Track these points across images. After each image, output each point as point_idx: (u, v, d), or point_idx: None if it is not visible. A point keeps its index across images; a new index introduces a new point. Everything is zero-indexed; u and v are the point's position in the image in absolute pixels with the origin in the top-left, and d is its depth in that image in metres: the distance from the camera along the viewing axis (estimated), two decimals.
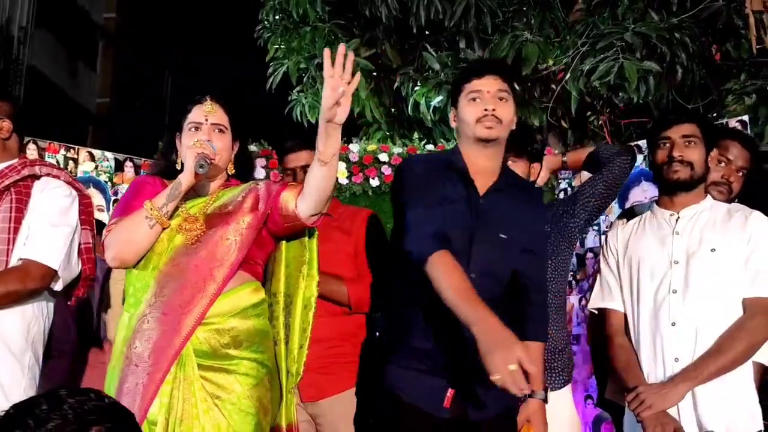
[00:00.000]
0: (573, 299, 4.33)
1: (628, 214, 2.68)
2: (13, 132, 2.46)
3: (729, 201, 2.59)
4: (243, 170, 2.37)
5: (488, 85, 2.20)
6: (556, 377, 2.50)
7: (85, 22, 16.32)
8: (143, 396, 2.01)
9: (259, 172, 4.67)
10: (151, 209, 2.13)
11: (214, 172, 2.24)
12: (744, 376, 2.22)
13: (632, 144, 3.61)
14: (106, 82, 17.26)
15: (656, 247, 2.37)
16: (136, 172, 4.84)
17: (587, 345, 4.22)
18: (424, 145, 4.86)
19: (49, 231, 2.32)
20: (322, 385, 2.62)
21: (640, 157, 3.80)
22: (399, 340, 2.21)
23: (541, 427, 2.23)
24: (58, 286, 2.35)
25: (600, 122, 6.12)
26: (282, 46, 6.10)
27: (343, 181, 4.60)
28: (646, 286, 2.35)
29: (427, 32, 5.97)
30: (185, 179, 2.16)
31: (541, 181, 2.77)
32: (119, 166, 4.88)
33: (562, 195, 4.47)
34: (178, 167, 2.27)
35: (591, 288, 2.61)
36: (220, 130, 2.27)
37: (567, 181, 4.76)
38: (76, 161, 4.77)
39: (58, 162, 4.56)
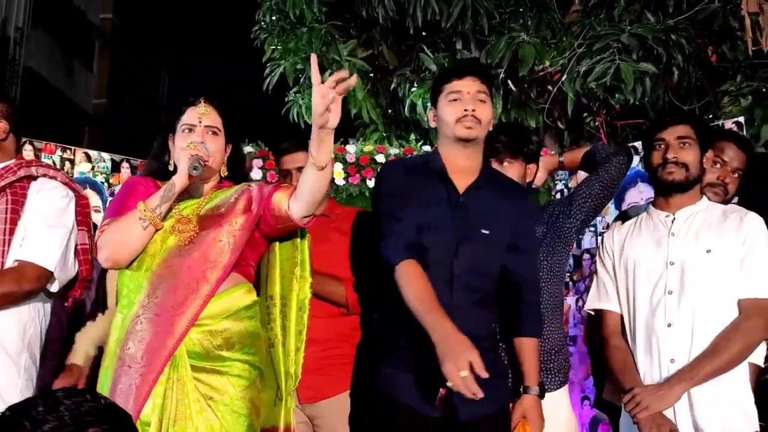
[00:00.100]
0: (570, 300, 4.33)
1: (622, 217, 2.69)
2: (10, 133, 2.46)
3: (724, 202, 2.60)
4: (236, 172, 2.38)
5: (468, 86, 2.25)
6: (552, 378, 2.50)
7: (81, 22, 16.31)
8: (136, 397, 2.01)
9: (256, 173, 4.67)
10: (145, 210, 2.13)
11: (208, 173, 2.25)
12: (740, 377, 2.23)
13: (629, 145, 3.62)
14: (103, 82, 17.25)
15: (652, 248, 2.37)
16: (133, 173, 4.83)
17: (584, 346, 4.23)
18: (421, 146, 4.87)
19: (45, 232, 2.32)
20: (320, 387, 2.62)
21: (636, 159, 3.80)
22: (391, 341, 2.22)
23: (537, 422, 2.22)
24: (54, 287, 2.35)
25: (596, 123, 6.13)
26: (279, 47, 6.09)
27: (340, 182, 4.60)
28: (642, 288, 2.35)
29: (423, 33, 5.97)
30: (179, 181, 2.16)
31: (538, 182, 2.78)
32: (116, 167, 4.87)
33: (558, 196, 4.47)
34: (171, 168, 2.27)
35: (588, 289, 2.61)
36: (214, 133, 2.27)
37: (564, 182, 4.76)
38: (72, 162, 4.76)
39: (54, 163, 4.55)
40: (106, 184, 4.79)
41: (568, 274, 4.33)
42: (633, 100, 5.19)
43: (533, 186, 2.81)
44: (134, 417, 1.97)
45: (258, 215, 2.22)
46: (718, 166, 2.66)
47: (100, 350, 3.05)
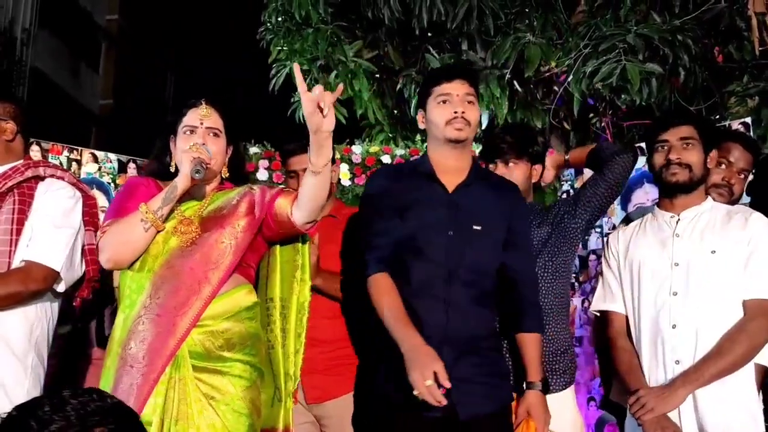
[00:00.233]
0: (576, 301, 4.33)
1: (626, 221, 2.69)
2: (18, 133, 2.47)
3: (730, 203, 2.59)
4: (237, 173, 2.39)
5: (457, 89, 2.29)
6: (558, 379, 2.49)
7: (87, 23, 16.35)
8: (137, 396, 2.03)
9: (262, 174, 4.68)
10: (147, 212, 2.14)
11: (209, 175, 2.26)
12: (745, 378, 2.22)
13: (635, 146, 3.61)
14: (109, 83, 17.28)
15: (657, 249, 2.37)
16: (139, 174, 4.84)
17: (590, 347, 4.22)
18: (427, 147, 4.86)
19: (51, 232, 2.32)
20: (327, 387, 2.62)
21: (642, 159, 3.79)
22: (390, 341, 2.22)
23: (542, 418, 2.22)
24: (60, 288, 2.35)
25: (603, 124, 6.11)
26: (284, 48, 6.09)
27: (346, 182, 4.61)
28: (647, 289, 2.35)
29: (429, 34, 5.97)
30: (181, 183, 2.18)
31: (548, 179, 2.78)
32: (122, 168, 4.88)
33: (564, 197, 4.47)
34: (172, 169, 2.29)
35: (593, 290, 2.61)
36: (215, 134, 2.28)
37: (570, 182, 4.76)
38: (79, 162, 4.78)
39: (61, 163, 4.56)
40: (112, 184, 4.80)
41: (574, 275, 4.32)
42: (639, 101, 5.17)
43: (543, 184, 2.81)
44: None
45: (261, 219, 2.23)
46: (724, 166, 2.65)
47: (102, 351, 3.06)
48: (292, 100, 6.23)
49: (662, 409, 2.18)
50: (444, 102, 2.29)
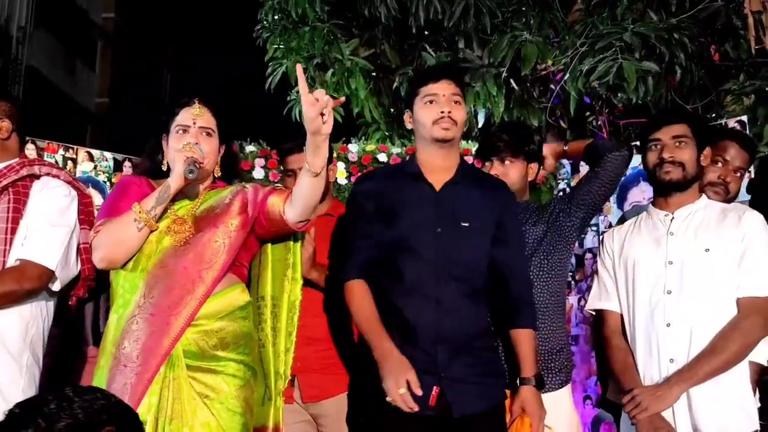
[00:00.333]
0: (572, 299, 4.33)
1: (622, 221, 2.69)
2: (13, 132, 2.46)
3: (726, 201, 2.59)
4: (229, 171, 2.40)
5: (443, 89, 2.31)
6: (554, 378, 2.49)
7: (83, 21, 16.32)
8: (131, 396, 2.03)
9: (258, 172, 4.68)
10: (140, 212, 2.14)
11: (202, 175, 2.26)
12: (739, 376, 2.23)
13: (631, 144, 3.62)
14: (105, 81, 17.27)
15: (651, 247, 2.38)
16: (134, 172, 4.83)
17: (586, 345, 4.22)
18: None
19: (47, 231, 2.32)
20: (324, 386, 2.62)
21: (638, 158, 3.80)
22: None
23: (536, 413, 2.21)
24: (56, 286, 2.34)
25: (599, 123, 6.12)
26: (281, 47, 6.09)
27: (342, 181, 4.60)
28: (642, 287, 2.36)
29: (426, 32, 5.96)
30: (174, 183, 2.18)
31: (548, 169, 2.78)
32: (118, 166, 4.87)
33: (560, 195, 4.47)
34: (164, 168, 2.29)
35: (589, 288, 2.61)
36: (208, 134, 2.28)
37: (566, 181, 4.76)
38: (74, 161, 4.77)
39: (56, 162, 4.55)
40: (108, 183, 4.79)
41: (570, 274, 4.32)
42: (636, 99, 5.17)
43: (544, 170, 2.81)
44: None
45: (253, 218, 2.23)
46: (720, 165, 2.65)
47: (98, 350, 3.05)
48: (288, 98, 6.22)
49: (656, 407, 2.18)
50: (431, 102, 2.31)
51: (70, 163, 4.72)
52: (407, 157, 4.37)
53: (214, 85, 16.25)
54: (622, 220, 2.73)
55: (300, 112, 6.13)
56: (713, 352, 2.19)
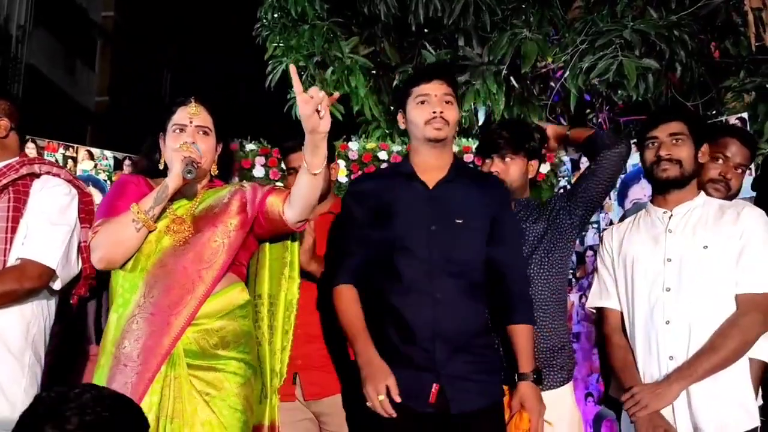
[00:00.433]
0: (573, 297, 4.33)
1: (623, 218, 2.69)
2: (12, 130, 2.45)
3: (727, 198, 2.59)
4: (226, 170, 2.40)
5: (435, 89, 2.32)
6: (555, 375, 2.49)
7: (83, 20, 16.31)
8: (132, 395, 2.02)
9: (259, 171, 4.67)
10: (138, 212, 2.14)
11: (200, 174, 2.26)
12: (739, 373, 2.22)
13: (632, 142, 3.62)
14: (105, 80, 17.26)
15: (650, 245, 2.38)
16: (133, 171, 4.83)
17: (587, 342, 4.22)
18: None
19: (47, 230, 2.31)
20: (325, 383, 2.62)
21: (639, 155, 3.80)
22: (381, 338, 2.25)
23: (535, 409, 2.21)
24: (56, 285, 2.34)
25: (599, 120, 6.12)
26: (281, 45, 6.09)
27: (343, 179, 4.60)
28: (641, 285, 2.36)
29: (425, 30, 5.97)
30: (172, 183, 2.17)
31: (551, 150, 2.77)
32: (118, 165, 4.87)
33: (561, 192, 4.46)
34: (161, 167, 2.29)
35: (590, 286, 2.62)
36: (205, 133, 2.28)
37: (566, 178, 4.76)
38: (75, 160, 4.77)
39: (57, 161, 4.55)
40: (108, 182, 4.79)
41: (571, 271, 4.32)
42: (636, 97, 5.18)
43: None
44: None
45: (252, 218, 2.24)
46: (721, 161, 2.65)
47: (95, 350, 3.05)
48: (288, 96, 6.22)
49: (656, 405, 2.18)
50: (423, 102, 2.32)
51: (70, 162, 4.72)
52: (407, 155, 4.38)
53: (214, 83, 16.24)
54: (624, 219, 2.72)
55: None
56: (712, 349, 2.19)
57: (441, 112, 2.29)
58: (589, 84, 5.22)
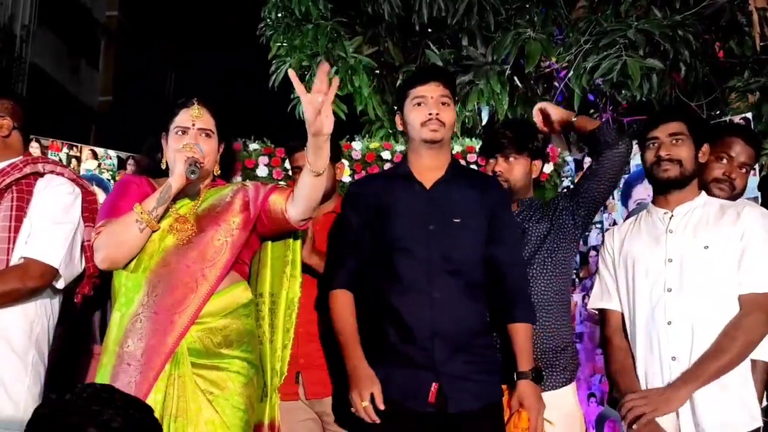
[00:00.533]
0: (576, 297, 4.33)
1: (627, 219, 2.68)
2: (15, 129, 2.45)
3: (732, 197, 2.58)
4: (228, 169, 2.41)
5: (432, 91, 2.34)
6: (559, 375, 2.49)
7: (87, 20, 16.32)
8: (136, 394, 2.02)
9: (262, 170, 4.68)
10: (141, 213, 2.15)
11: (203, 174, 2.26)
12: (741, 374, 2.22)
13: (631, 139, 3.61)
14: (109, 80, 17.26)
15: (651, 245, 2.37)
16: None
17: (590, 343, 4.22)
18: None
19: (50, 229, 2.32)
20: (327, 382, 2.61)
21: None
22: (380, 338, 2.27)
23: (534, 407, 2.21)
24: (60, 284, 2.35)
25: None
26: (284, 44, 6.09)
27: (346, 179, 4.59)
28: (642, 285, 2.35)
29: (429, 30, 5.96)
30: (175, 183, 2.18)
31: (553, 132, 2.74)
32: (122, 164, 4.88)
33: (564, 192, 4.46)
34: (163, 167, 2.29)
35: (594, 286, 2.61)
36: (207, 135, 2.29)
37: (570, 178, 4.76)
38: (78, 159, 4.77)
39: (60, 160, 4.56)
40: (112, 181, 4.79)
41: (575, 271, 4.32)
42: (640, 96, 5.16)
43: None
44: None
45: (255, 217, 2.24)
46: (725, 161, 2.63)
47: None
48: (291, 96, 6.22)
49: (666, 409, 2.17)
50: (419, 104, 2.34)
51: (74, 161, 4.72)
52: None
53: (218, 83, 16.25)
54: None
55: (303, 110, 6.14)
56: (718, 351, 2.18)
57: (437, 114, 2.31)
58: (592, 84, 5.21)
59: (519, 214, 2.63)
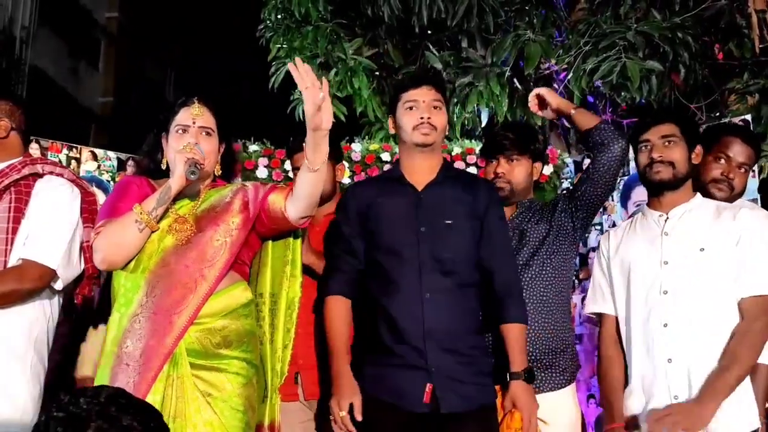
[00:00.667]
0: (576, 298, 4.33)
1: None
2: (13, 131, 2.45)
3: (731, 198, 2.58)
4: (228, 170, 2.41)
5: (423, 95, 2.37)
6: (558, 377, 2.48)
7: (87, 21, 16.33)
8: (135, 394, 2.02)
9: (262, 171, 4.68)
10: (141, 213, 2.14)
11: (203, 174, 2.26)
12: None
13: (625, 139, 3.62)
14: (109, 81, 17.26)
15: (646, 248, 2.37)
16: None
17: (590, 344, 4.22)
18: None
19: (49, 230, 2.31)
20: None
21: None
22: (374, 340, 2.28)
23: (527, 407, 2.21)
24: (58, 285, 2.34)
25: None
26: (284, 46, 6.09)
27: (346, 180, 4.60)
28: (638, 288, 2.35)
29: (429, 32, 5.97)
30: (175, 184, 2.18)
31: (548, 116, 2.74)
32: (122, 166, 4.88)
33: (564, 194, 4.46)
34: (164, 167, 2.29)
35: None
36: (207, 133, 2.28)
37: (569, 180, 4.76)
38: (78, 161, 4.78)
39: (60, 161, 4.56)
40: (112, 182, 4.80)
41: (574, 273, 4.32)
42: (639, 98, 5.18)
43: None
44: None
45: (254, 216, 2.24)
46: (723, 161, 2.63)
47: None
48: (291, 97, 6.23)
49: (698, 425, 2.11)
50: (411, 108, 2.37)
51: (73, 163, 4.73)
52: None
53: (218, 84, 16.26)
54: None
55: (303, 111, 6.15)
56: (733, 360, 2.15)
57: (429, 118, 2.34)
58: (592, 86, 5.22)
59: (518, 216, 2.63)
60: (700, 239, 2.29)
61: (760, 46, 4.34)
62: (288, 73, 5.94)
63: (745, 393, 2.21)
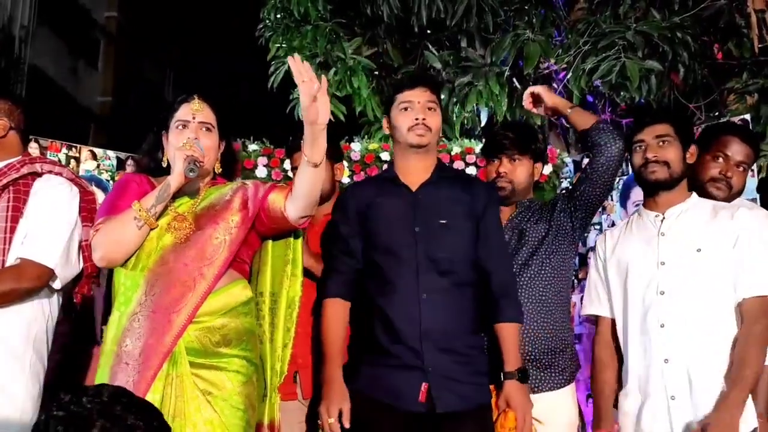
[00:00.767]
0: (575, 298, 4.33)
1: None
2: (12, 130, 2.45)
3: (730, 197, 2.58)
4: (229, 168, 2.40)
5: (418, 96, 2.38)
6: (557, 376, 2.48)
7: (86, 20, 16.33)
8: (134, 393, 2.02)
9: (261, 171, 4.68)
10: (140, 210, 2.14)
11: (203, 173, 2.26)
12: None
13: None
14: (108, 80, 17.26)
15: (643, 248, 2.37)
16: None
17: (589, 344, 4.21)
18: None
19: (47, 230, 2.31)
20: None
21: None
22: (370, 340, 2.28)
23: (521, 407, 2.22)
24: (56, 285, 2.34)
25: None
26: (283, 45, 6.09)
27: (345, 180, 4.60)
28: (635, 289, 2.36)
29: (428, 31, 5.98)
30: (174, 181, 2.17)
31: (548, 109, 2.73)
32: (121, 165, 4.88)
33: (563, 194, 4.46)
34: (164, 165, 2.29)
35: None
36: (207, 129, 2.28)
37: (569, 180, 4.76)
38: (78, 160, 4.78)
39: (60, 161, 4.56)
40: (111, 182, 4.80)
41: (574, 272, 4.32)
42: (638, 98, 5.18)
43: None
44: None
45: (254, 215, 2.24)
46: (721, 160, 2.63)
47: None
48: (291, 97, 6.23)
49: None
50: (406, 109, 2.37)
51: (73, 162, 4.73)
52: None
53: (217, 84, 16.26)
54: None
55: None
56: (743, 366, 2.14)
57: (423, 119, 2.34)
58: (591, 85, 5.22)
59: (517, 216, 2.63)
60: (697, 239, 2.29)
61: (759, 45, 4.34)
62: (287, 72, 5.96)
63: None
